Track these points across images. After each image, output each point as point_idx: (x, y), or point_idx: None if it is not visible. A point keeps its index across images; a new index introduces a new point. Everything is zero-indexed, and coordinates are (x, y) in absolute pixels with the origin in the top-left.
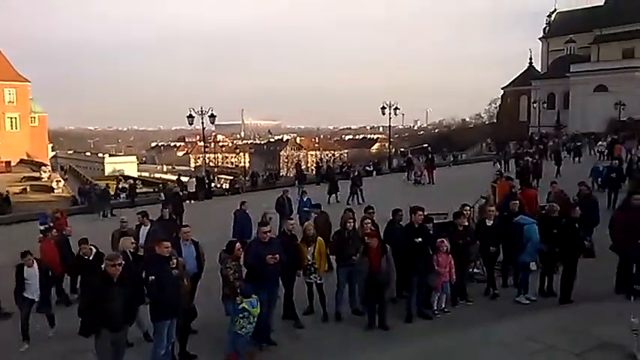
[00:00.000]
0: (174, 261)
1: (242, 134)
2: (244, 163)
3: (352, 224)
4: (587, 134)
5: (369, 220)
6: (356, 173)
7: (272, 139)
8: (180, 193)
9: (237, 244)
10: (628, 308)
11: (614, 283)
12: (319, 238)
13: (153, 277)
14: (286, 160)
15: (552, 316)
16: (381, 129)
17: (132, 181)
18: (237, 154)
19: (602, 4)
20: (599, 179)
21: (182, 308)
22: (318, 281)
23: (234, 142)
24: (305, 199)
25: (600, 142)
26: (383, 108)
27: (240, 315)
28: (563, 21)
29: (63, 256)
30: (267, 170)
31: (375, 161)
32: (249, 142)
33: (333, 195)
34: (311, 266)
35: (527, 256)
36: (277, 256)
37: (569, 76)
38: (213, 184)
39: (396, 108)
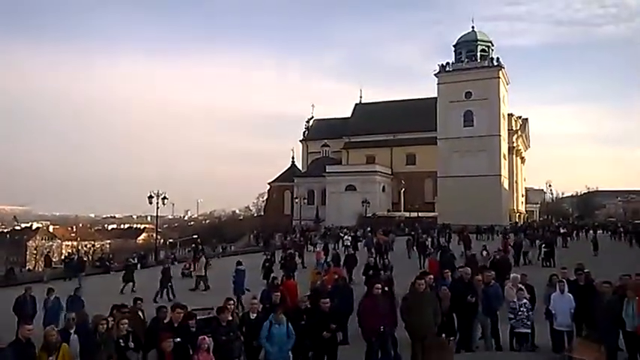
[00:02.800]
0: None
1: None
2: None
3: (105, 325)
4: (341, 228)
5: (126, 321)
6: (166, 266)
7: (18, 227)
8: None
9: None
10: None
11: None
12: (64, 344)
13: None
14: (34, 252)
15: None
16: (149, 218)
17: None
18: None
19: (349, 116)
20: None
21: None
22: None
23: None
24: (52, 298)
25: (345, 237)
26: (150, 197)
27: None
28: (319, 127)
29: None
30: (8, 263)
31: (141, 253)
32: None
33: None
34: None
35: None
36: None
37: (325, 175)
38: None
39: (165, 197)
